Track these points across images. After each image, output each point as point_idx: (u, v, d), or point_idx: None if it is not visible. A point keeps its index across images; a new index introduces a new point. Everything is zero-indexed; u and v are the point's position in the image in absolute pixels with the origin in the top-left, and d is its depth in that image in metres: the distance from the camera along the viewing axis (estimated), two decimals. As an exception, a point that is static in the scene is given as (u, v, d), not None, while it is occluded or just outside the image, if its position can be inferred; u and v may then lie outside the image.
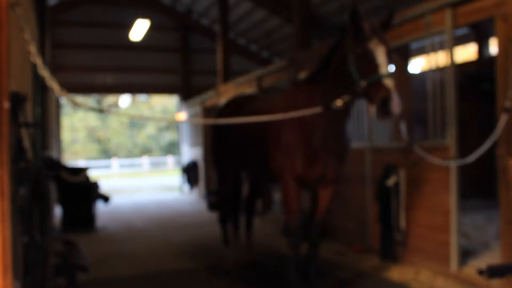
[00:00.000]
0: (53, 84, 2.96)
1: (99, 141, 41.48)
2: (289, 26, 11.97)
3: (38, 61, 2.88)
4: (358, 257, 6.54)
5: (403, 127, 4.41)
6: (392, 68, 3.95)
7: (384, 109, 3.76)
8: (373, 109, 3.84)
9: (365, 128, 6.93)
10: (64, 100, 16.46)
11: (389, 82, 3.79)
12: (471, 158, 4.43)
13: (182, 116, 16.22)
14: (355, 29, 3.99)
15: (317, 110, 4.25)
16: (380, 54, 3.89)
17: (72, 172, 9.72)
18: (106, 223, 10.32)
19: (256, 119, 4.32)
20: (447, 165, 5.27)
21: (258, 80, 10.24)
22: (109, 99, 39.24)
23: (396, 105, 3.72)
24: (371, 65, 3.88)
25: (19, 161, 3.04)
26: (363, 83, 3.90)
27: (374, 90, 3.82)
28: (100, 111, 3.73)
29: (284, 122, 4.48)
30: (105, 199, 10.17)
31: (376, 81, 3.82)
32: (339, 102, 4.18)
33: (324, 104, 4.28)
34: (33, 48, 2.88)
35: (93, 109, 3.54)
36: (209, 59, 15.63)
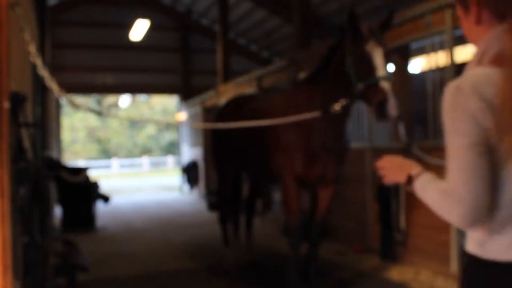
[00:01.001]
0: (52, 84, 2.95)
1: (99, 141, 41.47)
2: (289, 26, 11.97)
3: (38, 61, 2.88)
4: (358, 257, 6.54)
5: (401, 129, 4.41)
6: (389, 70, 3.95)
7: (381, 111, 3.78)
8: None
9: (365, 128, 6.93)
10: (64, 100, 16.47)
11: (385, 85, 3.79)
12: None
13: (182, 116, 16.21)
14: (353, 30, 3.99)
15: (315, 114, 4.26)
16: (378, 56, 3.89)
17: (72, 172, 9.72)
18: (106, 223, 10.32)
19: (255, 123, 4.34)
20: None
21: (258, 80, 10.24)
22: (109, 99, 39.23)
23: (392, 107, 3.73)
24: (369, 67, 3.88)
25: (19, 161, 3.04)
26: (360, 86, 3.91)
27: (371, 93, 3.83)
28: (99, 113, 3.73)
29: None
30: (105, 199, 10.17)
31: (373, 84, 3.83)
32: (337, 106, 4.20)
33: (324, 104, 4.29)
34: (33, 48, 2.88)
35: (92, 111, 3.54)
36: (209, 59, 15.63)
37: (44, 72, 2.90)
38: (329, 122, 4.42)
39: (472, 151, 1.46)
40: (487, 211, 1.48)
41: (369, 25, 4.01)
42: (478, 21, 1.56)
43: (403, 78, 6.38)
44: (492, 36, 1.51)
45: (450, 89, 1.51)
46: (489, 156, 1.46)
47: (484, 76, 1.47)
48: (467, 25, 1.61)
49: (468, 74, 1.51)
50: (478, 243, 1.57)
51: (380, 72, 3.84)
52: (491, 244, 1.53)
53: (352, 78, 3.99)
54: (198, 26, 16.50)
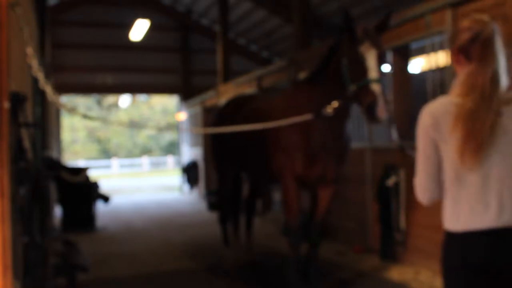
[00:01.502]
0: (46, 87, 2.95)
1: (99, 141, 41.46)
2: (289, 26, 11.96)
3: (34, 63, 2.88)
4: (358, 257, 6.54)
5: (393, 131, 4.41)
6: (382, 71, 3.95)
7: (371, 113, 3.78)
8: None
9: (365, 128, 6.93)
10: (64, 100, 16.48)
11: (376, 87, 3.79)
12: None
13: (182, 116, 16.21)
14: (348, 32, 4.00)
15: (307, 117, 4.26)
16: (371, 58, 3.89)
17: (72, 172, 9.71)
18: (106, 223, 10.32)
19: (253, 127, 4.35)
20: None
21: (258, 80, 10.24)
22: (109, 99, 39.22)
23: (382, 110, 3.73)
24: (361, 69, 3.89)
25: (19, 161, 3.04)
26: (352, 87, 3.92)
27: (363, 95, 3.84)
28: (91, 118, 3.72)
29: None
30: (105, 199, 10.16)
31: (364, 86, 3.84)
32: (329, 109, 4.20)
33: (324, 104, 4.29)
34: (30, 50, 2.87)
35: (85, 116, 3.54)
36: (209, 59, 15.62)
37: (39, 74, 2.90)
38: (329, 122, 4.42)
39: (423, 154, 2.18)
40: (434, 193, 2.18)
41: (364, 27, 4.00)
42: (458, 62, 2.23)
43: (403, 78, 6.37)
44: (464, 72, 2.18)
45: (422, 110, 2.22)
46: (436, 157, 2.15)
47: (443, 103, 2.17)
48: (454, 64, 2.27)
49: (436, 100, 2.22)
50: (444, 220, 2.14)
51: (371, 74, 3.84)
52: (448, 219, 2.12)
53: (345, 79, 4.00)
54: (198, 26, 16.49)
